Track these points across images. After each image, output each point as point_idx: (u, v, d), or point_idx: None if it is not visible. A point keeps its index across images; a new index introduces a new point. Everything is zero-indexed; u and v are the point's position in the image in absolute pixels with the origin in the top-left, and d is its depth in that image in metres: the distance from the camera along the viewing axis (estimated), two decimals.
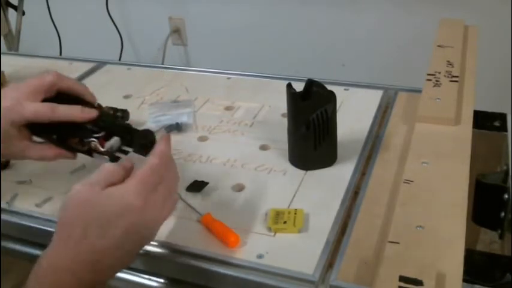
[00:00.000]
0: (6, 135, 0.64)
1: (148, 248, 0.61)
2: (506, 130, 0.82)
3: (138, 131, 0.68)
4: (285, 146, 0.75)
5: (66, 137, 0.67)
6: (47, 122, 0.65)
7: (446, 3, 1.70)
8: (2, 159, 0.69)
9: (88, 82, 1.03)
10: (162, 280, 0.63)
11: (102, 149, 0.65)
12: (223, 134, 0.83)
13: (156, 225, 0.55)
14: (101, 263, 0.51)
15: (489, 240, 0.82)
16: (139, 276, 0.64)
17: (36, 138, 0.68)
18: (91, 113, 0.66)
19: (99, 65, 1.10)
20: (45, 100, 0.66)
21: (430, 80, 0.82)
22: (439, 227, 0.57)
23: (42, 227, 0.67)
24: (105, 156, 0.65)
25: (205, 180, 0.70)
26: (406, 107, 0.85)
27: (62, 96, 0.67)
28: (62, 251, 0.51)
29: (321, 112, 0.69)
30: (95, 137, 0.65)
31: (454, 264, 0.52)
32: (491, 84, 1.53)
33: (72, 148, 0.68)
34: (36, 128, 0.67)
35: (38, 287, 0.50)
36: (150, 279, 0.64)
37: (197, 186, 0.69)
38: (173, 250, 0.61)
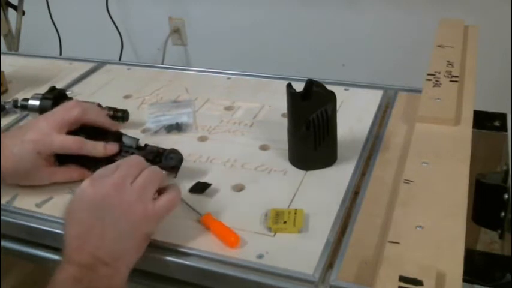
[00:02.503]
0: (34, 164, 0.69)
1: (148, 247, 0.61)
2: (506, 130, 0.82)
3: (165, 151, 0.71)
4: (285, 146, 0.75)
5: (93, 165, 0.70)
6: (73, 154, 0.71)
7: (446, 3, 1.70)
8: (29, 184, 0.73)
9: (88, 82, 1.03)
10: (161, 280, 0.63)
11: None
12: (223, 134, 0.83)
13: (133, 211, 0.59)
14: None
15: (489, 240, 0.82)
16: (139, 276, 0.64)
17: None
18: (112, 149, 0.71)
19: (99, 65, 1.10)
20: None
21: (430, 80, 0.82)
22: (439, 227, 0.57)
23: (42, 227, 0.67)
24: None
25: (207, 182, 0.70)
26: (406, 107, 0.85)
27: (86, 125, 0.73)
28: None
29: (321, 112, 0.69)
30: None
31: (454, 264, 0.52)
32: (491, 84, 1.53)
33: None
34: (62, 157, 0.72)
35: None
36: (149, 279, 0.64)
37: (200, 188, 0.70)
38: (173, 250, 0.61)
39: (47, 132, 0.69)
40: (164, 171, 0.67)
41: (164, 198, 0.60)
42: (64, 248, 0.57)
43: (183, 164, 0.71)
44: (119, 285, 0.57)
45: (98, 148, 0.71)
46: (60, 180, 0.72)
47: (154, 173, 0.62)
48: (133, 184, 0.59)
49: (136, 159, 0.63)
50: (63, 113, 0.72)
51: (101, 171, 0.61)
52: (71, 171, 0.72)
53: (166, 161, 0.70)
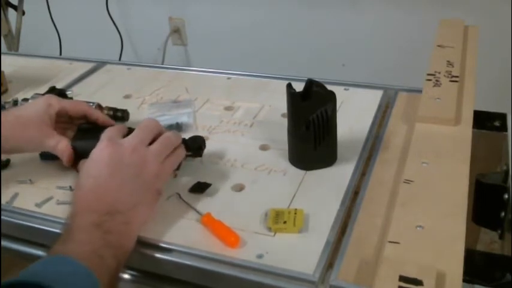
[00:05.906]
0: (42, 113, 0.72)
1: (147, 247, 0.61)
2: (506, 130, 0.82)
3: (186, 139, 0.72)
4: (285, 146, 0.75)
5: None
6: (77, 115, 0.75)
7: (446, 3, 1.70)
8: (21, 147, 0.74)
9: (88, 82, 1.03)
10: (161, 280, 0.63)
11: None
12: (223, 134, 0.83)
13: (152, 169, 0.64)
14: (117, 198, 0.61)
15: (489, 240, 0.82)
16: (139, 276, 0.64)
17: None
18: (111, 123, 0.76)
19: (99, 65, 1.10)
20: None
21: (430, 80, 0.82)
22: (439, 227, 0.57)
23: (42, 227, 0.67)
24: None
25: (207, 182, 0.70)
26: (406, 107, 0.85)
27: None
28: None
29: (321, 112, 0.69)
30: None
31: (454, 264, 0.52)
32: (491, 84, 1.53)
33: None
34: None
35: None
36: (149, 279, 0.64)
37: (200, 188, 0.70)
38: (173, 250, 0.61)
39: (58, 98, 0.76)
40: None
41: (172, 159, 0.67)
42: (77, 201, 0.61)
43: (183, 164, 0.71)
44: (132, 235, 0.61)
45: (103, 115, 0.77)
46: (51, 145, 0.72)
47: (169, 138, 0.67)
48: (150, 147, 0.65)
49: (151, 123, 0.68)
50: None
51: (110, 132, 0.66)
52: (62, 138, 0.73)
53: (191, 143, 0.72)
